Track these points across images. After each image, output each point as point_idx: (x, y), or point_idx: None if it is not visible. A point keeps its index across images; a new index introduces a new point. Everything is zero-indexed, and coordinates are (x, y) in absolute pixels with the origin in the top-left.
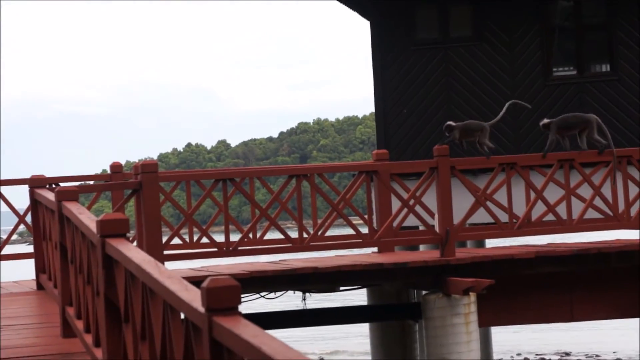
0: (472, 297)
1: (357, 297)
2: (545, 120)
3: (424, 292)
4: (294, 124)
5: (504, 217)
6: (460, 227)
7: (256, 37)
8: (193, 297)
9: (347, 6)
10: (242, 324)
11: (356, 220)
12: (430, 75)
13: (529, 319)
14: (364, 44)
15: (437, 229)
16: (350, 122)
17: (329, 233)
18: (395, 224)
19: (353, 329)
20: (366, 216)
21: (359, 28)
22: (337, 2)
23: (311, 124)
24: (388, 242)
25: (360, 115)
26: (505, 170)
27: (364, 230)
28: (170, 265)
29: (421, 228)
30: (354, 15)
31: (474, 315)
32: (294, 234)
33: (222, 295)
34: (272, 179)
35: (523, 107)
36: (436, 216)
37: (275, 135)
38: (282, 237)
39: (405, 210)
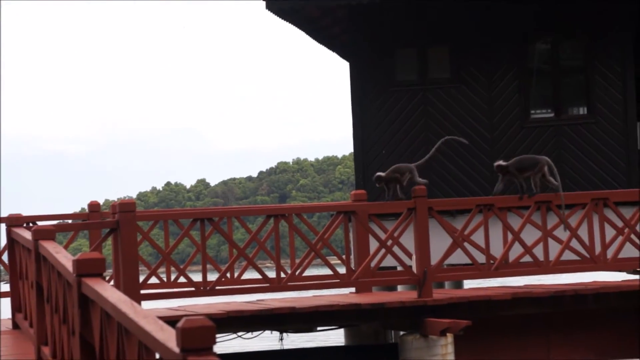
0: (450, 337)
1: (335, 337)
2: (502, 163)
3: (401, 333)
4: (273, 164)
5: (481, 258)
6: (438, 267)
7: (236, 77)
8: (168, 337)
9: (327, 47)
10: None
11: (334, 260)
12: (409, 116)
13: None
14: (344, 84)
15: (414, 269)
16: (330, 162)
17: (307, 273)
18: (373, 264)
19: None
20: (344, 256)
21: (339, 68)
22: (317, 43)
23: (291, 163)
24: (366, 283)
25: (339, 155)
26: (482, 211)
27: (342, 270)
28: (147, 304)
29: (399, 268)
30: (334, 56)
31: (451, 356)
32: (271, 274)
33: (197, 336)
34: (251, 219)
35: (461, 144)
36: (414, 257)
37: (254, 174)
38: (259, 276)
39: (383, 250)
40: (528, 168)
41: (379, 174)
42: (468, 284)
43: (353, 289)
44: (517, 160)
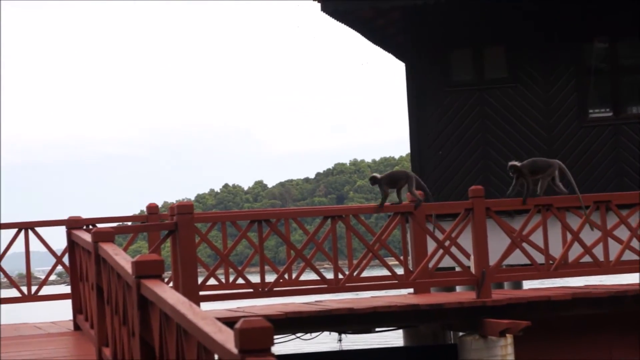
0: (509, 338)
1: (393, 338)
2: (516, 163)
3: (460, 334)
4: (330, 165)
5: (540, 259)
6: (497, 268)
7: (294, 78)
8: (226, 339)
9: (383, 48)
10: None
11: (392, 261)
12: (465, 116)
13: None
14: (400, 85)
15: (473, 270)
16: (387, 163)
17: (365, 274)
18: (431, 265)
19: None
20: (402, 257)
21: (395, 69)
22: (373, 44)
23: (348, 164)
24: (424, 283)
25: (396, 156)
26: (541, 211)
27: (400, 271)
28: (206, 306)
29: (457, 269)
30: (390, 57)
31: (511, 357)
32: (329, 275)
33: (255, 337)
34: (308, 220)
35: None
36: (472, 257)
37: (311, 176)
38: (317, 278)
39: (441, 251)
40: (540, 170)
41: (374, 174)
42: (527, 284)
43: (411, 290)
44: (531, 161)
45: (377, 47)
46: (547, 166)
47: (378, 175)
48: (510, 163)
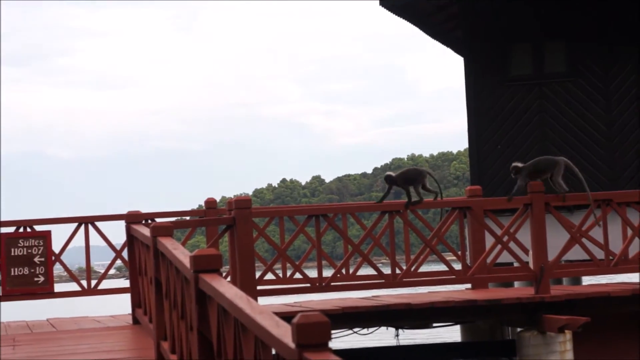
0: (568, 334)
1: (451, 333)
2: (518, 164)
3: (518, 329)
4: (388, 160)
5: (600, 254)
6: (555, 263)
7: (351, 74)
8: (284, 333)
9: (442, 42)
10: None
11: (449, 257)
12: (524, 111)
13: (627, 358)
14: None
15: (531, 265)
16: (445, 158)
17: (422, 269)
18: (488, 260)
19: None
20: (459, 252)
21: (453, 64)
22: (431, 38)
23: (405, 159)
24: (482, 279)
25: (454, 151)
26: (600, 206)
27: (457, 266)
28: (263, 300)
29: (515, 265)
30: (448, 52)
31: (569, 354)
32: (386, 270)
33: (313, 331)
34: (366, 215)
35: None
36: (530, 253)
37: (369, 170)
38: (374, 272)
39: (499, 246)
40: (546, 170)
41: (389, 173)
42: (586, 280)
43: (469, 285)
44: (534, 162)
45: (436, 41)
46: (553, 164)
47: (393, 174)
48: (513, 164)
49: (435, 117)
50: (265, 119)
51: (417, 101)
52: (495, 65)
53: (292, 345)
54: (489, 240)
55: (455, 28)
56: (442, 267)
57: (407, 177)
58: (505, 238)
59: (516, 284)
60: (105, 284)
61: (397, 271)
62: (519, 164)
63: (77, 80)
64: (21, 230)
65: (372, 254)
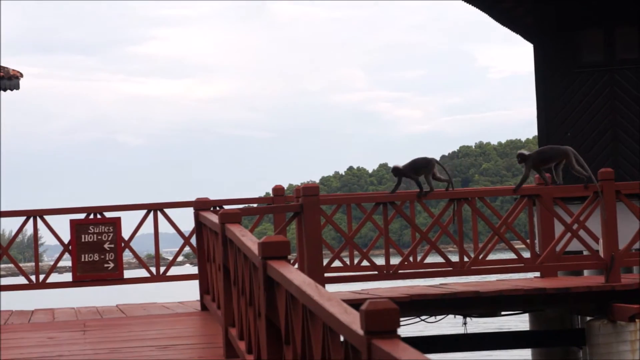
0: (638, 323)
1: (519, 322)
2: (524, 152)
3: (588, 318)
4: (455, 147)
5: None
6: (626, 252)
7: (419, 61)
8: (352, 320)
9: (511, 29)
10: (400, 347)
11: (518, 245)
12: (594, 98)
13: None
14: (527, 67)
15: (601, 254)
16: (513, 146)
17: (490, 257)
18: (558, 248)
19: (515, 354)
20: (528, 240)
21: (522, 50)
22: (500, 24)
23: (473, 147)
24: (551, 267)
25: (523, 139)
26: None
27: (526, 254)
28: (330, 287)
29: (585, 253)
30: (517, 38)
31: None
32: (454, 258)
33: (381, 318)
34: (433, 203)
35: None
36: (600, 241)
37: (436, 158)
38: (442, 260)
39: (569, 234)
40: (551, 159)
41: (395, 165)
42: None
43: (537, 274)
44: (539, 151)
45: (504, 27)
46: (559, 153)
47: (400, 166)
48: (519, 152)
49: (504, 104)
50: (333, 106)
51: (485, 88)
52: (566, 51)
53: (360, 332)
54: (558, 229)
55: (525, 14)
56: (511, 255)
57: (415, 167)
58: (575, 226)
59: (586, 272)
60: (173, 271)
61: (465, 259)
62: (525, 152)
63: (147, 69)
64: (91, 216)
65: (439, 242)
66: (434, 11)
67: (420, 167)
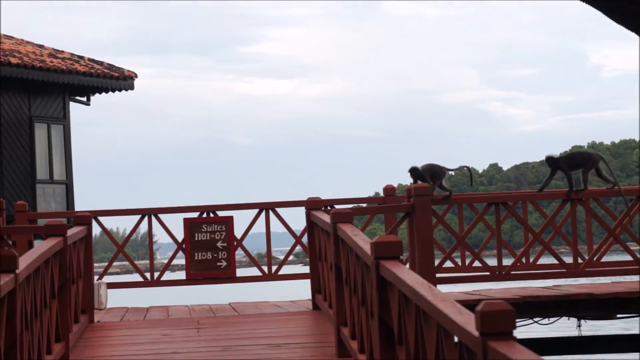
0: None
1: (636, 325)
2: (553, 156)
3: None
4: (567, 147)
5: None
6: None
7: (530, 60)
8: (467, 321)
9: (624, 26)
10: (517, 349)
11: (634, 247)
12: None
13: None
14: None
15: None
16: (627, 146)
17: (605, 259)
18: None
19: (631, 358)
20: None
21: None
22: (615, 22)
23: (585, 147)
24: None
25: (637, 139)
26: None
27: None
28: (442, 288)
29: None
30: (632, 36)
31: None
32: (568, 259)
33: (497, 320)
34: (545, 203)
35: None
36: None
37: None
38: (555, 262)
39: None
40: (579, 164)
41: (549, 155)
42: None
43: None
44: (569, 155)
45: (619, 25)
46: (587, 158)
47: (555, 156)
48: (547, 155)
49: (618, 103)
50: (442, 105)
51: (598, 87)
52: None
53: (475, 333)
54: None
55: (630, 3)
56: (627, 257)
57: (432, 172)
58: None
59: None
60: (284, 270)
61: (579, 260)
62: (554, 155)
63: (257, 68)
64: (204, 215)
65: (552, 243)
66: (546, 9)
67: (436, 173)
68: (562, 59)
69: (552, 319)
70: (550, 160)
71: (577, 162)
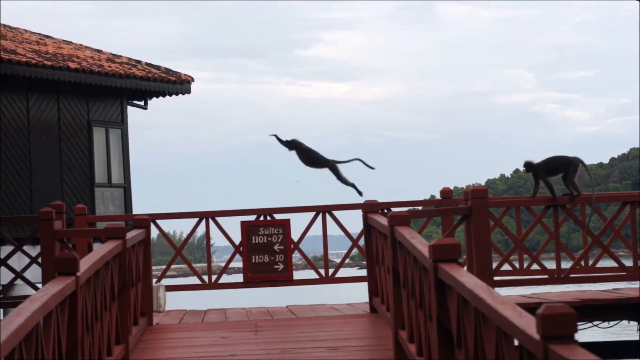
0: None
1: None
2: (531, 162)
3: None
4: (625, 149)
5: None
6: None
7: (588, 61)
8: (527, 324)
9: None
10: (579, 352)
11: None
12: None
13: None
14: None
15: None
16: None
17: None
18: None
19: None
20: None
21: None
22: None
23: None
24: None
25: None
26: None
27: None
28: (500, 291)
29: None
30: None
31: None
32: (627, 262)
33: (558, 323)
34: (603, 206)
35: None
36: None
37: (605, 161)
38: (615, 265)
39: None
40: (559, 169)
41: (528, 160)
42: None
43: None
44: (546, 160)
45: None
46: (567, 163)
47: (534, 163)
48: (526, 160)
49: None
50: (499, 107)
51: None
52: None
53: (536, 336)
54: None
55: None
56: None
57: (549, 167)
58: None
59: None
60: (342, 272)
61: (639, 264)
62: (532, 161)
63: (313, 71)
64: (261, 218)
65: (612, 246)
66: (602, 10)
67: (557, 168)
68: (620, 60)
69: (611, 323)
70: (528, 165)
71: (556, 167)
